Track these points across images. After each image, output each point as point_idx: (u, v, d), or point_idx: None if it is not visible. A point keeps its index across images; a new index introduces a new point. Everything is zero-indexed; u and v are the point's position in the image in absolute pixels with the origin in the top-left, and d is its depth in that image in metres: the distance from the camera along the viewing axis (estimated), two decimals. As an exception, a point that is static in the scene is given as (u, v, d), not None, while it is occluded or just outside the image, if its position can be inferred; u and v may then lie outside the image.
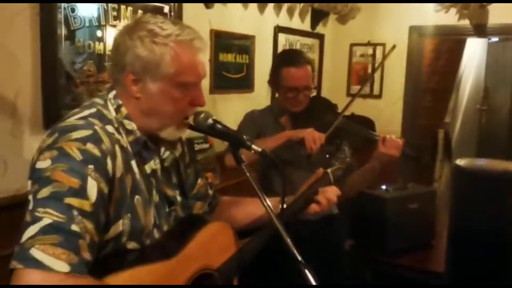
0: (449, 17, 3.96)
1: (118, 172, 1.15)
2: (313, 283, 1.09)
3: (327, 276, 1.11)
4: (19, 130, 2.02)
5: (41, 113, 2.09)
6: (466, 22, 3.94)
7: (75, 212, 1.01)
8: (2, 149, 1.95)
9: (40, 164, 1.07)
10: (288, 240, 1.16)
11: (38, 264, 0.94)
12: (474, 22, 3.90)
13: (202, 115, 1.28)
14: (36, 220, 0.99)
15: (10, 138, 1.99)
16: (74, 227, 1.00)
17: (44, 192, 1.02)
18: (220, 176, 3.04)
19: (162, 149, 1.32)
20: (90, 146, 1.09)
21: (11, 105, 1.99)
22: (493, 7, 3.81)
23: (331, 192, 1.54)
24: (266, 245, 1.43)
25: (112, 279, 1.06)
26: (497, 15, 3.84)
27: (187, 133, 1.51)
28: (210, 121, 1.27)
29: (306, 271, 1.10)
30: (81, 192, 1.04)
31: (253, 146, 1.24)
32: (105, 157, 1.10)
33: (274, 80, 2.32)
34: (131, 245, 1.19)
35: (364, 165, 2.25)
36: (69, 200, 1.02)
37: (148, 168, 1.27)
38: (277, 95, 3.78)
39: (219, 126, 1.27)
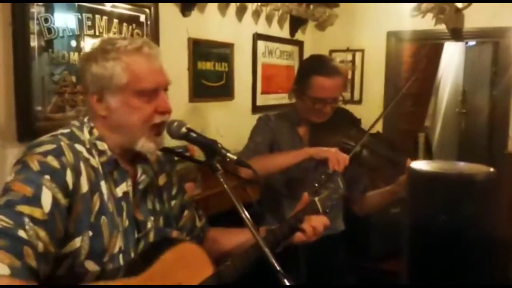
0: (426, 22, 4.01)
1: (83, 188, 1.17)
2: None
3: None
4: (-9, 144, 1.97)
5: (15, 125, 2.05)
6: (442, 27, 3.99)
7: (26, 219, 1.03)
8: (-26, 163, 1.90)
9: (7, 178, 1.11)
10: (266, 249, 1.14)
11: None
12: (450, 26, 3.95)
13: (176, 124, 1.25)
14: None
15: (-18, 152, 1.94)
16: (21, 233, 1.01)
17: (1, 201, 1.06)
18: (201, 185, 3.01)
19: (140, 172, 1.31)
20: (50, 159, 1.12)
21: (-17, 118, 1.95)
22: (468, 12, 3.86)
23: (318, 221, 1.47)
24: (248, 269, 1.36)
25: None
26: (473, 19, 3.89)
27: (167, 142, 1.48)
28: (183, 129, 1.25)
29: (286, 281, 1.08)
30: (33, 201, 1.06)
31: (228, 154, 1.22)
32: (64, 169, 1.13)
33: (300, 87, 2.12)
34: (89, 264, 1.17)
35: (377, 185, 2.18)
36: (21, 208, 1.04)
37: (119, 191, 1.26)
38: (259, 101, 3.75)
39: (193, 134, 1.25)
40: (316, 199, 1.56)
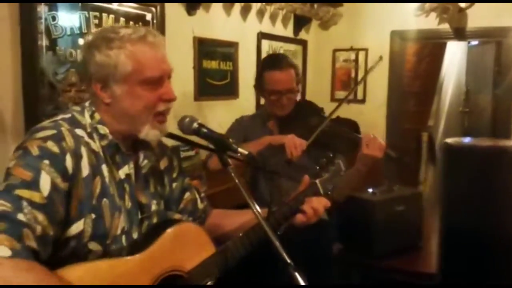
0: (430, 21, 4.02)
1: (84, 172, 1.18)
2: (303, 283, 1.08)
3: (315, 281, 1.09)
4: (0, 139, 1.99)
5: (23, 122, 2.07)
6: (446, 26, 4.00)
7: (24, 203, 1.06)
8: (-17, 160, 1.92)
9: (9, 164, 1.13)
10: (277, 243, 1.15)
11: None
12: (453, 25, 3.96)
13: (187, 119, 1.27)
14: None
15: (-9, 148, 1.96)
16: (20, 216, 1.04)
17: (1, 186, 1.09)
18: (207, 182, 3.02)
19: (142, 156, 1.33)
20: (49, 144, 1.14)
21: (-8, 114, 1.96)
22: (471, 11, 3.88)
23: (318, 203, 1.50)
24: (249, 252, 1.39)
25: (66, 271, 1.09)
26: (476, 18, 3.91)
27: (173, 141, 1.50)
28: (195, 125, 1.27)
29: (296, 273, 1.10)
30: (32, 185, 1.08)
31: (240, 149, 1.24)
32: (64, 154, 1.15)
33: (259, 84, 2.34)
34: (93, 245, 1.20)
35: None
36: (20, 192, 1.07)
37: (122, 173, 1.28)
38: (262, 100, 3.79)
39: (204, 129, 1.27)
40: (317, 181, 1.58)
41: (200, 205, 1.56)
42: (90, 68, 1.24)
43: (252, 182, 2.34)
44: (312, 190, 1.56)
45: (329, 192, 1.62)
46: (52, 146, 1.14)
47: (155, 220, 1.36)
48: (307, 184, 1.57)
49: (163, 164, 1.44)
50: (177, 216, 1.47)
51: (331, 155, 1.85)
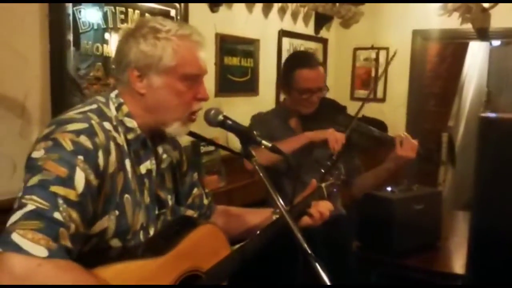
0: (452, 21, 3.99)
1: (111, 168, 1.17)
2: (324, 276, 1.10)
3: (336, 278, 1.11)
4: (28, 131, 2.04)
5: (50, 114, 2.11)
6: (468, 26, 3.96)
7: (60, 201, 1.03)
8: (11, 150, 1.97)
9: (35, 154, 1.09)
10: (299, 234, 1.17)
11: (17, 248, 0.96)
12: (476, 26, 3.92)
13: (213, 112, 1.30)
14: (21, 206, 1.01)
15: (19, 139, 2.01)
16: (57, 215, 1.01)
17: (33, 180, 1.04)
18: (226, 178, 3.05)
19: (161, 151, 1.34)
20: (83, 139, 1.11)
21: (20, 106, 2.02)
22: (495, 11, 3.83)
23: (324, 207, 1.55)
24: (263, 250, 1.42)
25: (102, 270, 1.08)
26: (499, 19, 3.86)
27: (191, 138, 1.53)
28: (220, 117, 1.30)
29: (317, 264, 1.12)
30: (68, 182, 1.05)
31: (263, 142, 1.26)
32: (97, 150, 1.12)
33: (286, 82, 2.28)
34: (114, 242, 1.20)
35: (373, 166, 2.23)
36: (55, 189, 1.03)
37: (143, 168, 1.28)
38: (282, 97, 3.78)
39: (229, 122, 1.30)
40: (323, 185, 1.64)
41: (206, 201, 1.57)
42: (130, 55, 1.23)
43: (274, 181, 2.34)
44: (319, 193, 1.62)
45: (333, 196, 1.67)
46: (85, 141, 1.11)
47: (169, 216, 1.37)
48: (313, 188, 1.61)
49: (175, 158, 1.45)
50: (189, 212, 1.49)
51: (334, 157, 1.89)
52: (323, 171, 1.68)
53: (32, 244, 0.96)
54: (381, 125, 2.34)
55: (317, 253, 1.15)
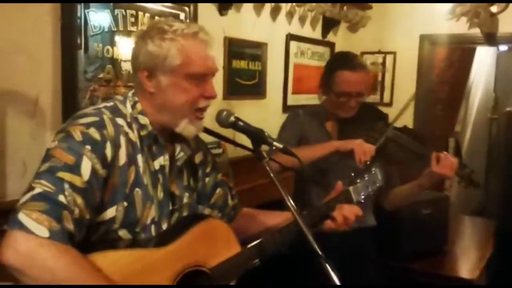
0: (460, 25, 3.98)
1: (121, 161, 1.23)
2: (334, 277, 1.11)
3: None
4: (39, 132, 2.06)
5: (61, 115, 2.13)
6: (476, 31, 3.96)
7: (66, 185, 1.10)
8: (22, 150, 1.98)
9: (50, 145, 1.19)
10: (310, 236, 1.18)
11: (21, 226, 1.03)
12: (484, 30, 3.92)
13: (225, 113, 1.32)
14: (30, 189, 1.09)
15: (30, 139, 2.02)
16: (62, 198, 1.08)
17: (44, 166, 1.13)
18: (233, 180, 3.06)
19: (178, 149, 1.37)
20: (92, 130, 1.19)
21: (32, 107, 2.03)
22: (503, 16, 3.83)
23: (349, 211, 1.47)
24: (279, 251, 1.40)
25: (98, 257, 1.13)
26: (507, 24, 3.86)
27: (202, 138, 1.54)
28: (232, 118, 1.31)
29: (327, 265, 1.12)
30: (74, 169, 1.12)
31: (275, 143, 1.27)
32: (105, 142, 1.19)
33: (326, 82, 2.18)
34: (123, 232, 1.24)
35: (405, 179, 2.18)
36: (62, 174, 1.11)
37: (157, 163, 1.32)
38: (290, 101, 3.79)
39: (241, 123, 1.31)
40: (350, 188, 1.56)
41: (231, 202, 1.58)
42: (140, 56, 1.29)
43: (301, 190, 2.25)
44: (345, 197, 1.54)
45: (362, 201, 1.58)
46: (94, 132, 1.18)
47: (185, 213, 1.40)
48: (339, 191, 1.55)
49: (198, 158, 1.48)
50: (207, 211, 1.50)
51: (368, 162, 1.82)
52: (352, 174, 1.61)
53: (36, 224, 1.03)
54: (420, 138, 2.23)
55: (334, 262, 1.13)
